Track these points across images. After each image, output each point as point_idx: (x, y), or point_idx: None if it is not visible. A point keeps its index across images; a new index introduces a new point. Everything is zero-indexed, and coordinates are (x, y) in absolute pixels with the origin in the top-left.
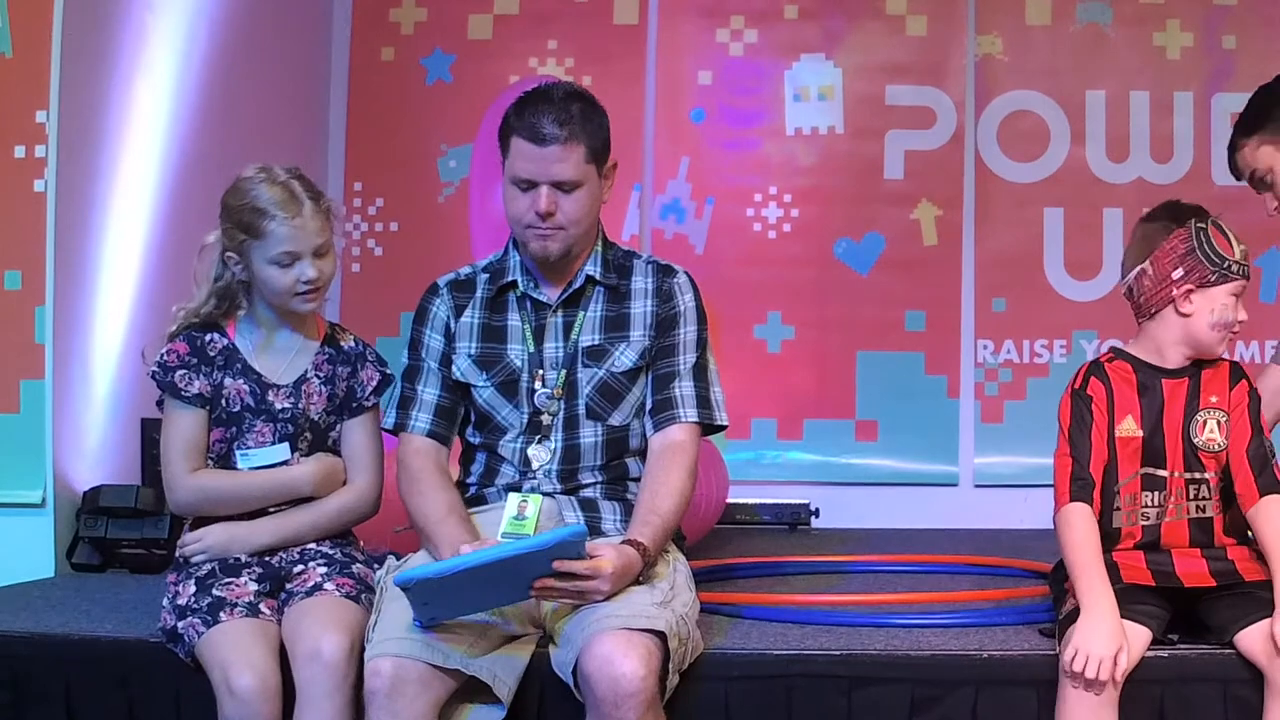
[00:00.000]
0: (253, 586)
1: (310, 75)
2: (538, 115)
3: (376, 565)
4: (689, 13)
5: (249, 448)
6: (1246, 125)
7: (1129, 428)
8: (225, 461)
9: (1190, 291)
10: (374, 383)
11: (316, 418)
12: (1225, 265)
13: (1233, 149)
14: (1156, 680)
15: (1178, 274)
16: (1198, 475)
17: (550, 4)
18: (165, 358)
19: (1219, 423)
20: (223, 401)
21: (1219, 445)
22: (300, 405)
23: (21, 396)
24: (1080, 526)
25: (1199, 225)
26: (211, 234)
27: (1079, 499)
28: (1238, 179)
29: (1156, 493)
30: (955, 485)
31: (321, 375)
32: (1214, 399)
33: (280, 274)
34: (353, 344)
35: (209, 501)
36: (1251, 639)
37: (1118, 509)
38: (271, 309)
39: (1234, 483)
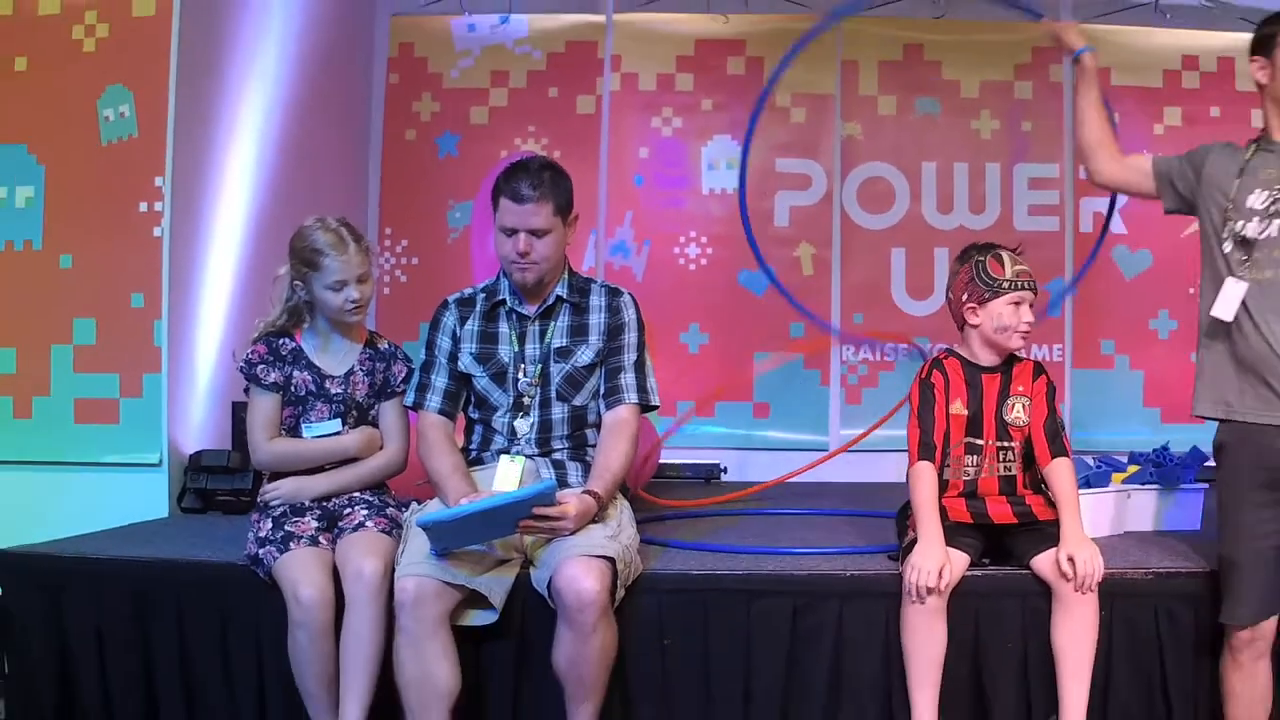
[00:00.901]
0: (314, 524)
1: (354, 150)
2: (518, 181)
3: (404, 509)
4: (632, 106)
5: (311, 422)
6: None
7: (958, 408)
8: (294, 432)
9: (974, 309)
10: (403, 374)
11: (361, 400)
12: (997, 284)
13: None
14: (973, 594)
15: (964, 296)
16: (1006, 444)
17: (531, 99)
18: (250, 356)
19: (1024, 406)
20: (292, 388)
21: (1023, 422)
22: (349, 391)
23: (144, 386)
24: (926, 478)
25: (978, 259)
26: (282, 267)
27: (925, 459)
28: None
29: (975, 456)
30: (825, 450)
31: (364, 369)
32: (1020, 388)
33: (333, 296)
34: (387, 346)
35: (282, 461)
36: (1042, 563)
37: (947, 466)
38: (328, 321)
39: (1034, 449)
